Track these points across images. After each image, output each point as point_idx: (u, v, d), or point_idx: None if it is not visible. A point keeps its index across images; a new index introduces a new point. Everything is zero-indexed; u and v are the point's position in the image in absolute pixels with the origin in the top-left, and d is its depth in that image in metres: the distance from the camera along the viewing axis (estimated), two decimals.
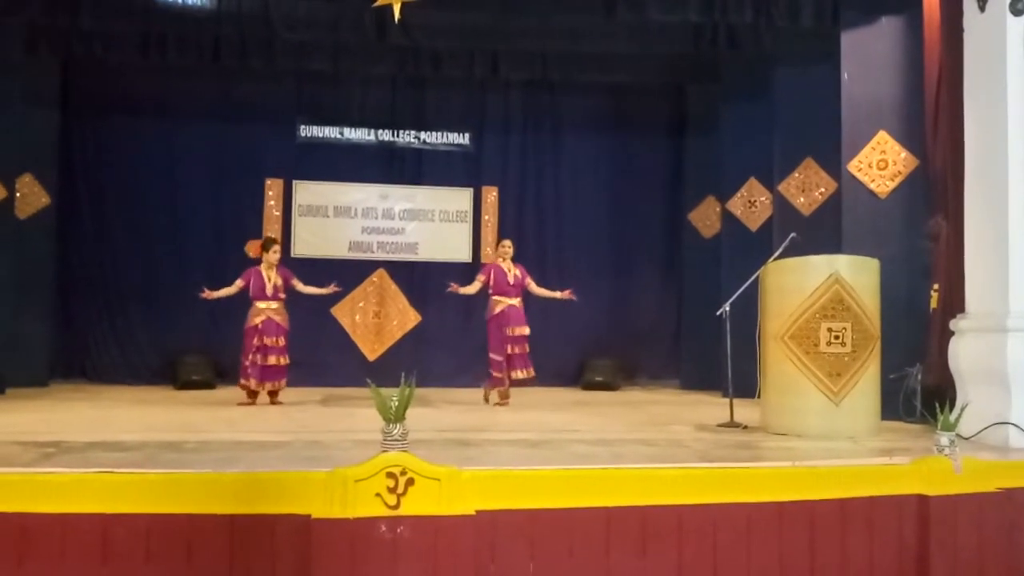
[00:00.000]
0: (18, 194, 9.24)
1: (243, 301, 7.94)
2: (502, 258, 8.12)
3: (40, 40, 9.07)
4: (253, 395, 7.74)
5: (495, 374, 7.99)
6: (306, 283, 8.13)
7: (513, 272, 8.04)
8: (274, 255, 7.91)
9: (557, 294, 8.22)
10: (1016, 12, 5.35)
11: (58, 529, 3.40)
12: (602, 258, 11.18)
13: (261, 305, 7.79)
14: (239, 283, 7.83)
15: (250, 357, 7.71)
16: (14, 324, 8.79)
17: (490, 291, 8.04)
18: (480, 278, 8.12)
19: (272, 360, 7.70)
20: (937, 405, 4.49)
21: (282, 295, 7.89)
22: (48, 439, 4.85)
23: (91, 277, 10.35)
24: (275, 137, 10.70)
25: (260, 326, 7.72)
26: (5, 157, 8.80)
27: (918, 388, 6.33)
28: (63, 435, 5.07)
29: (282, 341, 7.79)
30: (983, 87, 5.58)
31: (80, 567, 3.41)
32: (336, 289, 8.27)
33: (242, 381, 7.79)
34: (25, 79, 9.16)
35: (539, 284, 8.29)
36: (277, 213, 10.65)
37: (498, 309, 7.99)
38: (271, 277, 7.83)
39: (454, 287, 8.00)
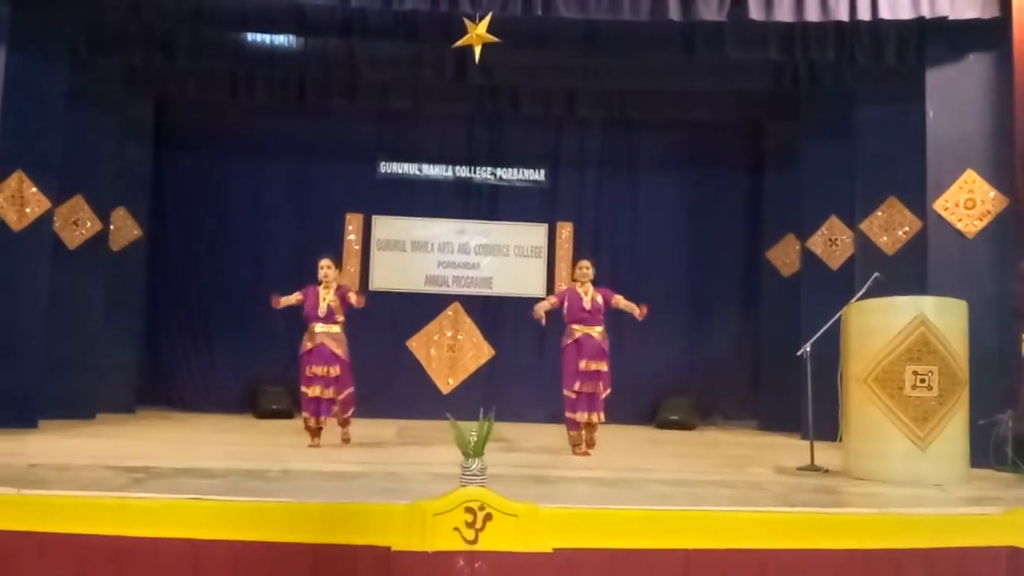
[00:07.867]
0: (112, 226, 9.55)
1: None
2: (579, 281, 7.19)
3: (136, 79, 9.52)
4: (316, 432, 6.91)
5: (568, 415, 7.04)
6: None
7: (591, 297, 7.09)
8: (320, 273, 7.01)
9: (635, 308, 7.13)
10: None
11: (149, 552, 3.50)
12: (678, 296, 11.02)
13: (316, 328, 6.89)
14: (297, 295, 7.01)
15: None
16: (105, 352, 9.12)
17: (565, 317, 7.13)
18: (552, 299, 7.35)
19: (316, 391, 6.78)
20: None
21: (339, 317, 6.96)
22: (137, 464, 5.02)
23: (177, 307, 10.69)
24: (356, 173, 10.95)
25: (312, 352, 6.86)
26: (101, 191, 9.12)
27: (1009, 435, 6.10)
28: (151, 461, 5.23)
29: (335, 371, 6.82)
30: None
31: None
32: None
33: (304, 414, 6.94)
34: (121, 116, 9.49)
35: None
36: (357, 247, 10.86)
37: (571, 339, 7.04)
38: (326, 297, 6.92)
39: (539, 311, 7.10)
